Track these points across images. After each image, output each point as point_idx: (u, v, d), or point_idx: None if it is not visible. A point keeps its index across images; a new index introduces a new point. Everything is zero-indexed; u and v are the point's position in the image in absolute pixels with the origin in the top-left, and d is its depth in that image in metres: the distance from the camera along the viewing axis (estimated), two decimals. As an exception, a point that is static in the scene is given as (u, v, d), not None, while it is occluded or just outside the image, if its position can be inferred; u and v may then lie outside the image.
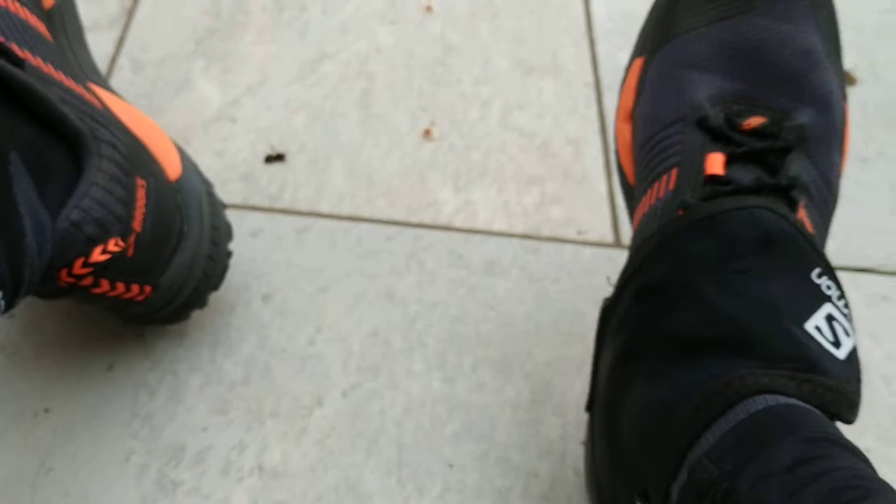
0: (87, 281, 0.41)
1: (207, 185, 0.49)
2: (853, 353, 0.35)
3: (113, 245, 0.40)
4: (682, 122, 0.40)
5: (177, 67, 0.62)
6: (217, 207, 0.49)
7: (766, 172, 0.39)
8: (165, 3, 0.66)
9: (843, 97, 0.43)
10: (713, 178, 0.38)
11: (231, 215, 0.54)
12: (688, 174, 0.39)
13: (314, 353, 0.50)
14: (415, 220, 0.56)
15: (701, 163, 0.39)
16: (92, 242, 0.39)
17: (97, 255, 0.40)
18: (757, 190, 0.37)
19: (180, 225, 0.46)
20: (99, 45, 0.62)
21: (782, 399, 0.32)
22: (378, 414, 0.48)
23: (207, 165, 0.57)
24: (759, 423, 0.31)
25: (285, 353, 0.50)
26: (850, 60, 0.68)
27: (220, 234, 0.49)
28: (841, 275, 0.56)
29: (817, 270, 0.35)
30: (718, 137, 0.39)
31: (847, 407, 0.33)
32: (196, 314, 0.50)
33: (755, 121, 0.39)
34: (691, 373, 0.34)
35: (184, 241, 0.46)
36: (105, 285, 0.42)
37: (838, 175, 0.41)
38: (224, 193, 0.56)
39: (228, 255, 0.50)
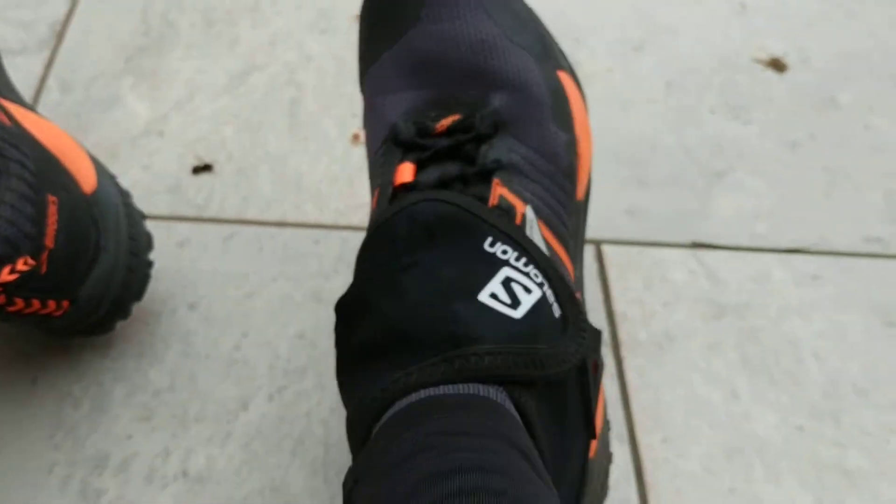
0: (0, 300, 0.41)
1: (125, 195, 0.49)
2: (538, 306, 0.35)
3: (22, 264, 0.40)
4: (384, 146, 0.41)
5: (105, 86, 0.62)
6: (135, 218, 0.49)
7: (468, 164, 0.39)
8: (95, 24, 0.66)
9: (557, 66, 0.43)
10: (404, 186, 0.38)
11: (158, 227, 0.55)
12: (384, 191, 0.39)
13: (240, 357, 0.50)
14: (343, 222, 0.56)
15: (391, 175, 0.39)
16: (0, 262, 0.39)
17: (6, 275, 0.40)
18: (443, 184, 0.38)
19: (96, 238, 0.46)
20: (28, 68, 0.63)
21: (425, 393, 0.32)
22: (304, 415, 0.48)
23: (135, 179, 0.57)
24: (391, 425, 0.31)
25: (210, 360, 0.50)
26: (780, 47, 0.69)
27: (139, 244, 0.49)
28: (771, 256, 0.56)
29: (489, 240, 0.35)
30: (411, 148, 0.40)
31: (530, 363, 0.33)
32: (121, 325, 0.50)
33: (448, 121, 0.40)
34: (364, 385, 0.34)
35: (101, 254, 0.46)
36: (20, 303, 0.42)
37: (563, 143, 0.41)
38: (151, 205, 0.56)
39: (149, 265, 0.50)
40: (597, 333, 0.39)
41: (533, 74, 0.41)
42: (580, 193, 0.43)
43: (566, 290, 0.36)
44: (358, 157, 0.60)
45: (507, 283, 0.35)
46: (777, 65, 0.68)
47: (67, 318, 0.46)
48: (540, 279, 0.35)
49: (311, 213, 0.57)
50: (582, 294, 0.44)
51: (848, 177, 0.61)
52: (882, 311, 0.54)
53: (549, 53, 0.43)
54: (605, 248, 0.56)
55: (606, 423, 0.43)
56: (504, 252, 0.35)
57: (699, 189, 0.60)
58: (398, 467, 0.28)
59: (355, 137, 0.61)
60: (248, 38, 0.66)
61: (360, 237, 0.55)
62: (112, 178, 0.49)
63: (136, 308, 0.50)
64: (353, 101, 0.63)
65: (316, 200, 0.57)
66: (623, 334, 0.52)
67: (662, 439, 0.48)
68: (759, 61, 0.68)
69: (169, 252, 0.54)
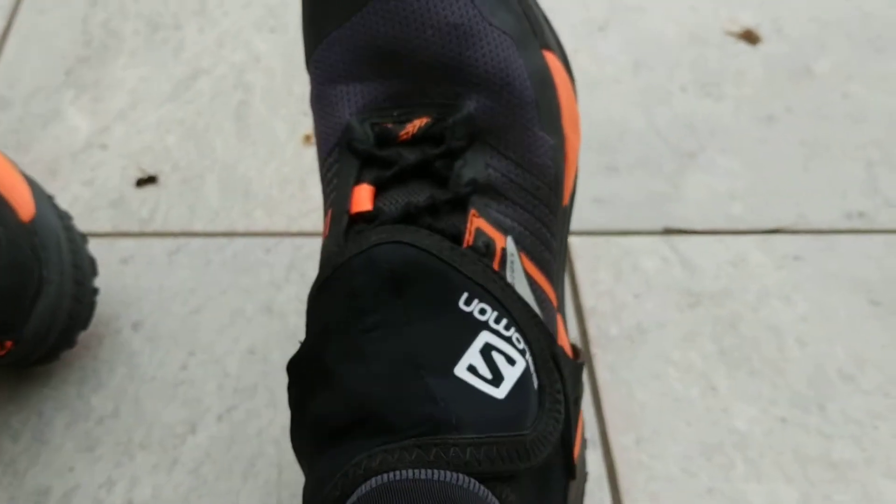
0: None
1: (64, 218, 0.46)
2: (522, 381, 0.30)
3: None
4: (337, 150, 0.35)
5: (45, 100, 0.60)
6: (77, 243, 0.46)
7: (438, 186, 0.33)
8: (34, 37, 0.64)
9: (543, 45, 0.37)
10: (362, 216, 0.33)
11: (100, 244, 0.52)
12: (339, 216, 0.33)
13: (187, 378, 0.47)
14: (295, 228, 0.54)
15: (346, 199, 0.33)
16: None
17: None
18: (408, 217, 0.32)
19: (38, 271, 0.43)
20: (-35, 87, 0.60)
21: (389, 477, 0.27)
22: (256, 435, 0.46)
23: (75, 196, 0.55)
24: None
25: (156, 382, 0.47)
26: (753, 18, 0.66)
27: (84, 272, 0.46)
28: (749, 239, 0.53)
29: (465, 296, 0.30)
30: (370, 161, 0.34)
31: (515, 454, 0.28)
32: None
33: (413, 126, 0.34)
34: (329, 462, 0.29)
35: (44, 286, 0.43)
36: None
37: (550, 150, 0.35)
38: (93, 222, 0.53)
39: (94, 292, 0.47)
40: (577, 368, 0.35)
41: (515, 67, 0.35)
42: (566, 199, 0.38)
43: (544, 351, 0.32)
44: (310, 159, 0.57)
45: (486, 351, 0.30)
46: (750, 37, 0.65)
47: (12, 356, 0.43)
48: (522, 345, 0.31)
49: (261, 221, 0.54)
50: (563, 316, 0.40)
51: (827, 149, 0.58)
52: (867, 290, 0.51)
53: (535, 30, 0.37)
54: (572, 240, 0.53)
55: (584, 441, 0.39)
56: (482, 311, 0.30)
57: (670, 172, 0.57)
58: None
59: (307, 138, 0.58)
60: (195, 42, 0.63)
61: (313, 243, 0.53)
62: (50, 199, 0.46)
63: (78, 332, 0.47)
64: (303, 100, 0.60)
65: (266, 207, 0.55)
66: (592, 329, 0.49)
67: (636, 440, 0.45)
68: (730, 34, 0.65)
69: (112, 270, 0.51)
